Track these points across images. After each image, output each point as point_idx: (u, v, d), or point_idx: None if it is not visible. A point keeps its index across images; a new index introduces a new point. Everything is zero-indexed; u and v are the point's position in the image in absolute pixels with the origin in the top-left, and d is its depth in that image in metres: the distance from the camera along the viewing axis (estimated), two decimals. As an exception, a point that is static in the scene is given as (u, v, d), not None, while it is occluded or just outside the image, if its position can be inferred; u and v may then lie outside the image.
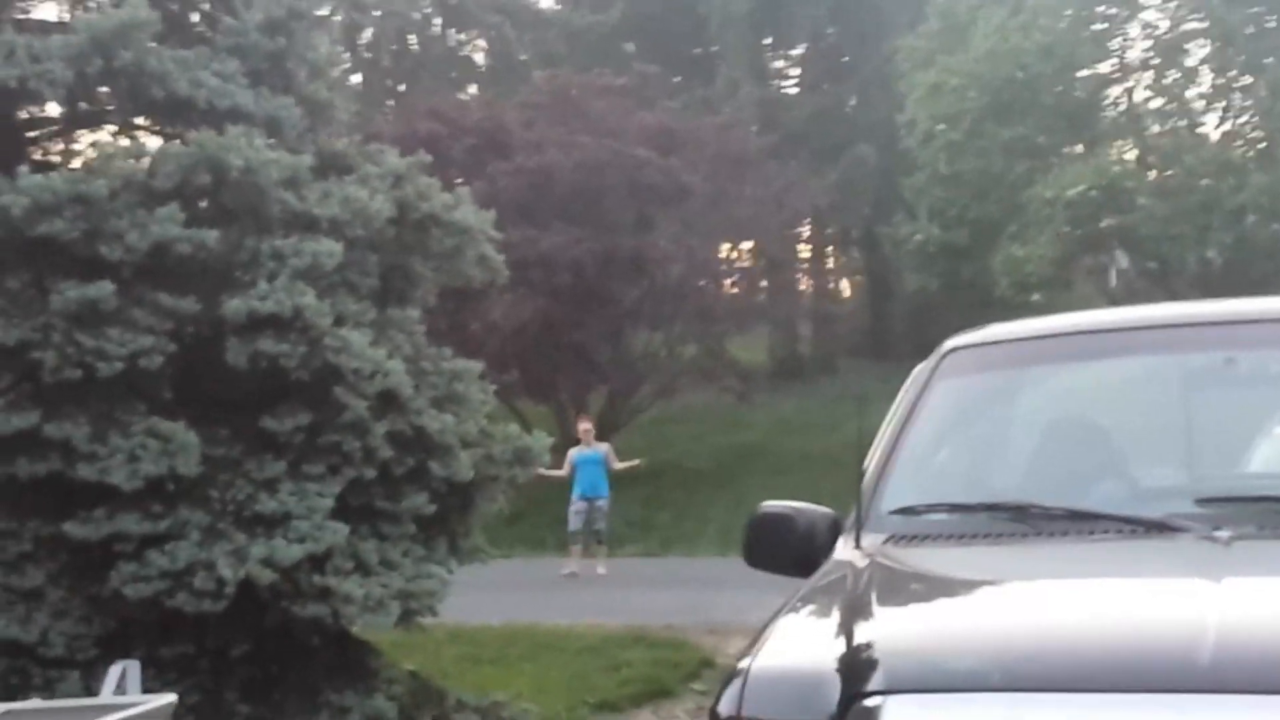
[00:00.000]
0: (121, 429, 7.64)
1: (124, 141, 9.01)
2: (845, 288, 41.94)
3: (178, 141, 8.32)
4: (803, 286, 35.33)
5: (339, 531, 7.67)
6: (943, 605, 3.52)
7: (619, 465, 18.18)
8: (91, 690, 6.60)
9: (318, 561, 7.66)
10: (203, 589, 7.43)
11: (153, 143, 8.94)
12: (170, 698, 5.26)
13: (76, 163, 9.07)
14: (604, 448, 18.29)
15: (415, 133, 20.57)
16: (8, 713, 5.62)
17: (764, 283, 31.00)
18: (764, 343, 33.10)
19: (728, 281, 28.66)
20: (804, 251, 35.59)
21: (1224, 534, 3.40)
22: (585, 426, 18.62)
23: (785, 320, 32.39)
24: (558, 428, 19.06)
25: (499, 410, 9.49)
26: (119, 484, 7.51)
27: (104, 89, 8.70)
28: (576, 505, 17.66)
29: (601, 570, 17.46)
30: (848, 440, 4.18)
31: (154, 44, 8.24)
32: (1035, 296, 22.68)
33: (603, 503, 17.81)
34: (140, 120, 9.11)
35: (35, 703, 5.97)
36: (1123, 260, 25.89)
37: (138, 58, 8.06)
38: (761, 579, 4.13)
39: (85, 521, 7.58)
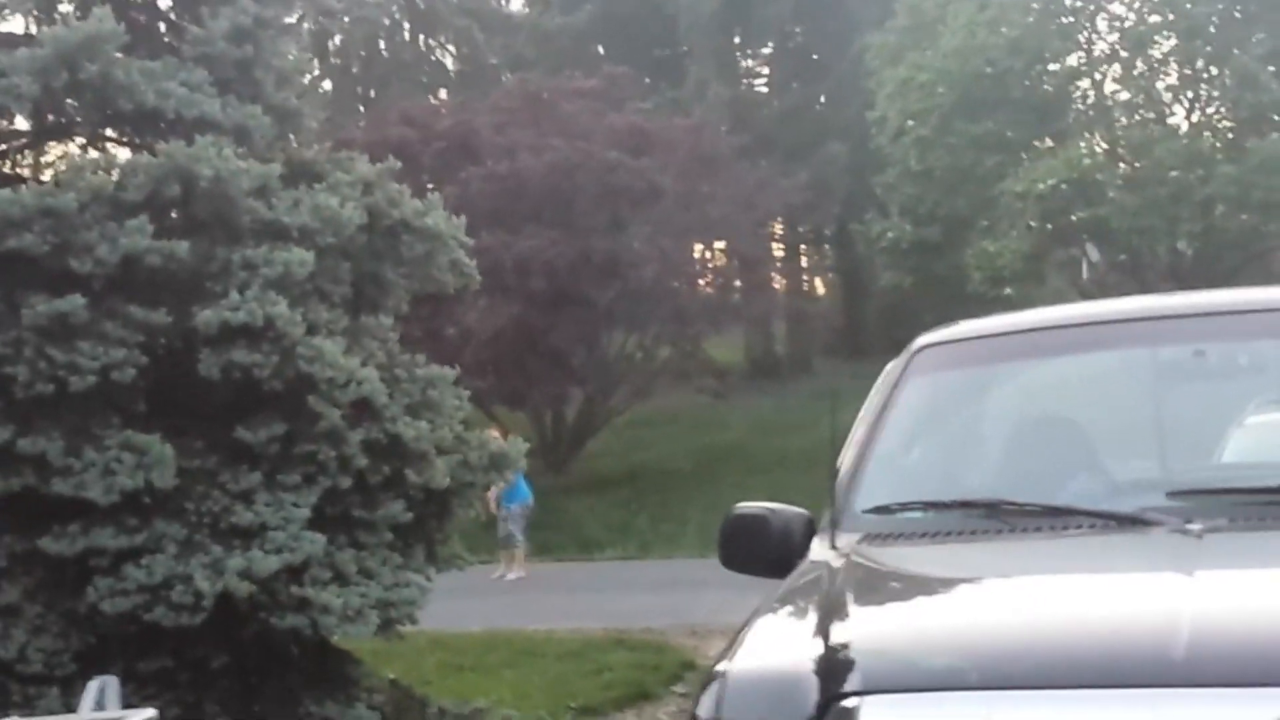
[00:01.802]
0: (95, 443, 7.62)
1: (92, 154, 8.98)
2: (819, 286, 42.00)
3: (146, 153, 8.30)
4: (777, 286, 35.33)
5: (316, 541, 7.66)
6: (918, 604, 3.53)
7: None
8: (71, 706, 6.57)
9: (295, 572, 7.65)
10: (180, 602, 7.41)
11: (121, 154, 8.92)
12: (150, 712, 5.24)
13: (45, 176, 9.04)
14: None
15: (386, 139, 20.52)
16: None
17: (738, 283, 31.03)
18: (739, 342, 33.15)
19: (702, 282, 28.68)
20: (777, 250, 35.61)
21: (1196, 527, 3.41)
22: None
23: (760, 320, 32.40)
24: (534, 433, 19.03)
25: (474, 416, 9.47)
26: (94, 498, 7.49)
27: (71, 101, 8.67)
28: (516, 512, 17.54)
29: (511, 575, 17.34)
30: (824, 439, 4.18)
31: (120, 55, 8.21)
32: (1008, 291, 22.77)
33: (515, 506, 17.68)
34: (108, 132, 9.09)
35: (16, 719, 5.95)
36: (1094, 253, 26.00)
37: (104, 70, 8.04)
38: (740, 580, 4.13)
39: (61, 536, 7.55)
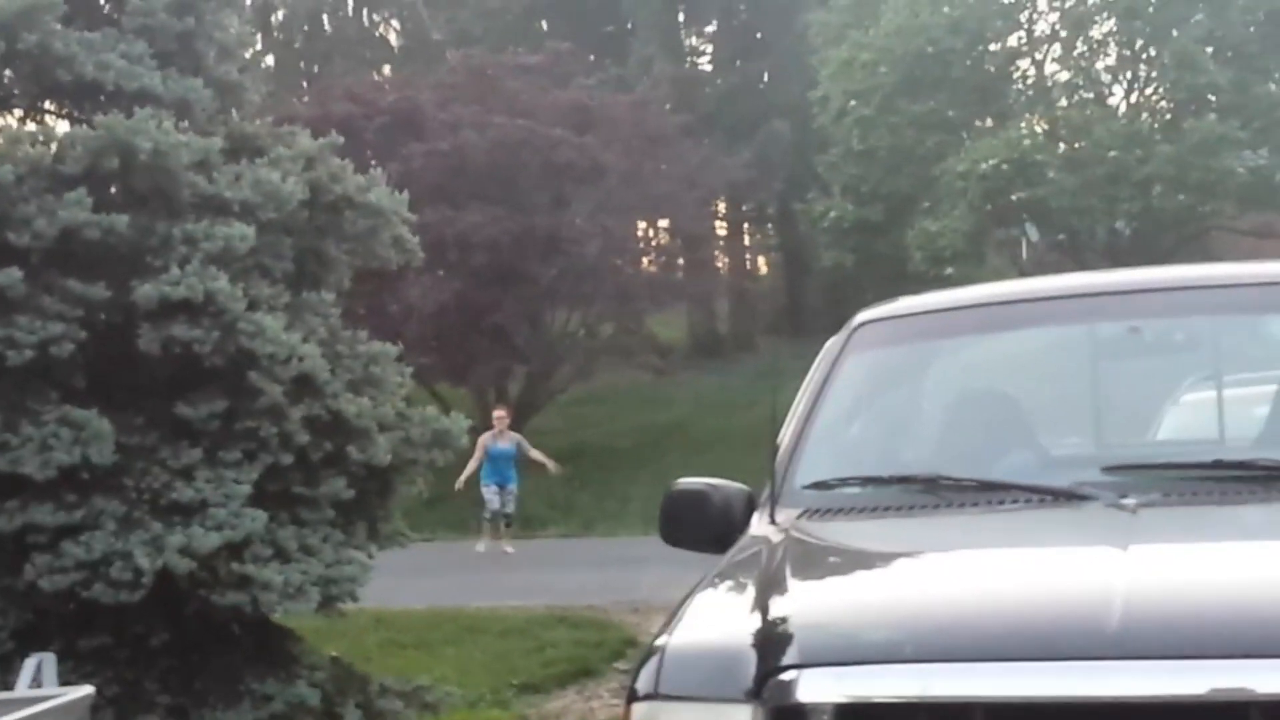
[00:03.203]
0: (33, 418, 7.55)
1: (30, 126, 8.89)
2: (762, 265, 42.07)
3: (85, 125, 8.22)
4: (719, 264, 35.35)
5: (257, 519, 7.63)
6: (856, 578, 3.56)
7: (535, 453, 18.25)
8: (7, 684, 6.52)
9: (236, 549, 7.62)
10: (120, 579, 7.37)
11: (60, 127, 8.83)
12: (87, 689, 5.21)
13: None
14: (516, 438, 18.36)
15: (329, 115, 20.39)
16: (-78, 708, 5.54)
17: (681, 260, 31.04)
18: (682, 321, 33.17)
19: (645, 260, 28.69)
20: (720, 229, 35.63)
21: (1131, 501, 3.46)
22: (500, 414, 18.63)
23: (703, 298, 32.44)
24: (476, 410, 19.05)
25: (417, 393, 9.45)
26: (31, 474, 7.43)
27: (9, 73, 8.58)
28: (490, 489, 17.83)
29: (509, 549, 17.61)
30: (767, 417, 4.20)
31: (59, 26, 8.12)
32: (949, 270, 22.88)
33: (512, 487, 18.04)
34: (47, 104, 8.99)
35: (-51, 696, 5.88)
36: (1033, 233, 26.19)
37: (43, 40, 7.96)
38: (683, 557, 4.14)
39: (-3, 513, 7.49)
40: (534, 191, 23.54)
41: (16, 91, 8.90)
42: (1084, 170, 23.55)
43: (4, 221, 7.59)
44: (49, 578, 7.40)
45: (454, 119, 23.31)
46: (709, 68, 37.26)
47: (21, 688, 5.57)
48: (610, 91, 27.17)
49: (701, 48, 38.29)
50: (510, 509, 18.16)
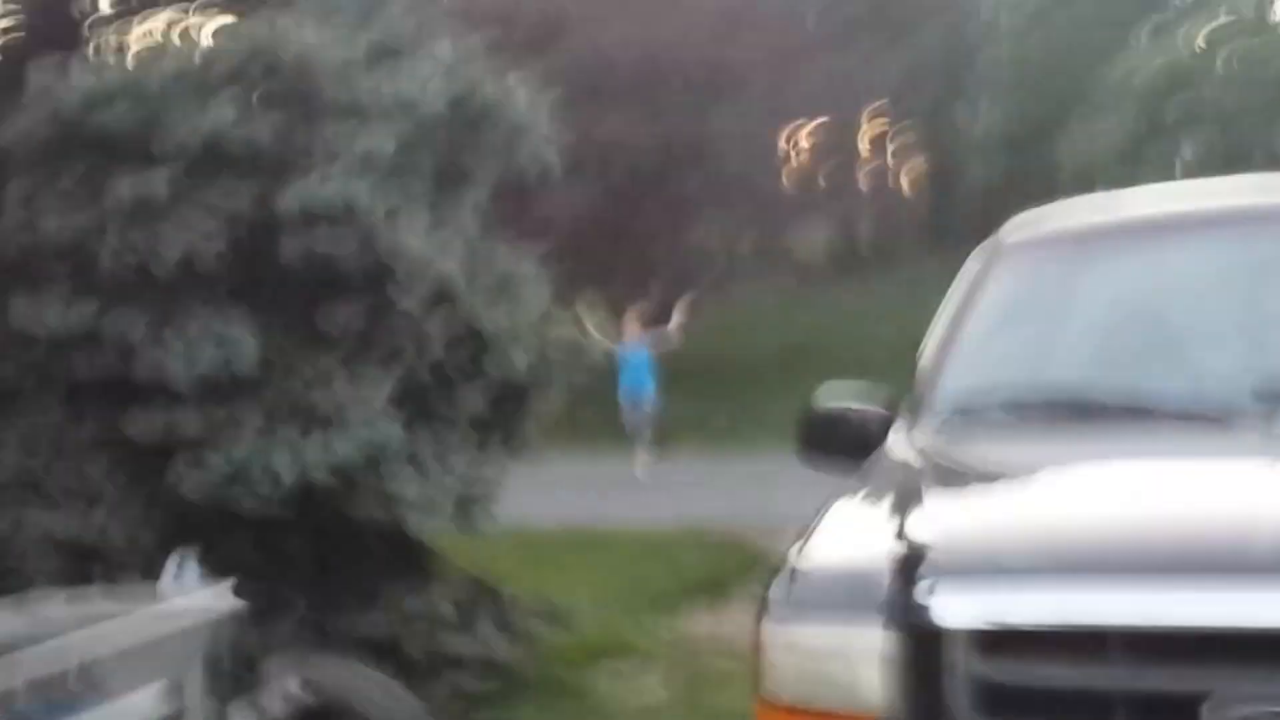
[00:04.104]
0: (177, 326, 7.63)
1: (176, 32, 8.93)
2: (906, 178, 41.54)
3: (230, 28, 8.24)
4: (864, 175, 34.95)
5: (393, 430, 7.65)
6: (994, 496, 3.48)
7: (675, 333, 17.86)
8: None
9: (373, 460, 7.66)
10: (259, 487, 7.45)
11: (205, 32, 8.86)
12: (228, 587, 5.29)
13: (130, 55, 9.00)
14: (650, 338, 17.96)
15: (473, 17, 20.35)
16: (68, 600, 5.68)
17: (823, 173, 30.73)
18: (823, 234, 32.90)
19: (786, 171, 28.44)
20: (865, 141, 35.19)
21: None
22: (631, 324, 18.26)
23: (845, 212, 32.12)
24: (613, 322, 19.05)
25: (555, 309, 9.43)
26: (175, 381, 7.52)
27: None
28: (624, 401, 17.57)
29: (637, 473, 17.32)
30: (907, 333, 4.12)
31: (204, -69, 8.14)
32: (1099, 186, 22.37)
33: (649, 400, 17.66)
34: (193, 9, 9.02)
35: (95, 591, 6.02)
36: (1188, 151, 25.51)
37: (188, -55, 7.98)
38: (820, 477, 4.09)
39: (141, 419, 7.59)
40: (677, 100, 23.36)
41: (162, -3, 8.95)
42: (1243, 85, 22.85)
43: (150, 128, 7.63)
44: (191, 484, 7.50)
45: (598, 22, 23.17)
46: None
47: (164, 585, 5.67)
48: (757, -1, 26.81)
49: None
50: (646, 428, 17.79)
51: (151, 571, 6.85)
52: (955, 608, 2.81)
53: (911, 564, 2.95)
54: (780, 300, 27.40)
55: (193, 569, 5.78)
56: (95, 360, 7.65)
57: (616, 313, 22.99)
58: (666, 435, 19.14)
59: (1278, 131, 23.56)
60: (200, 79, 7.82)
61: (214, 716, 5.19)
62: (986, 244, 4.46)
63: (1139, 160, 24.61)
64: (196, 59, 7.96)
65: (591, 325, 16.90)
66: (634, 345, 17.65)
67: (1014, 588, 2.82)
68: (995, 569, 2.89)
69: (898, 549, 3.02)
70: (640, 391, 17.60)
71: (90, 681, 4.55)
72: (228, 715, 5.18)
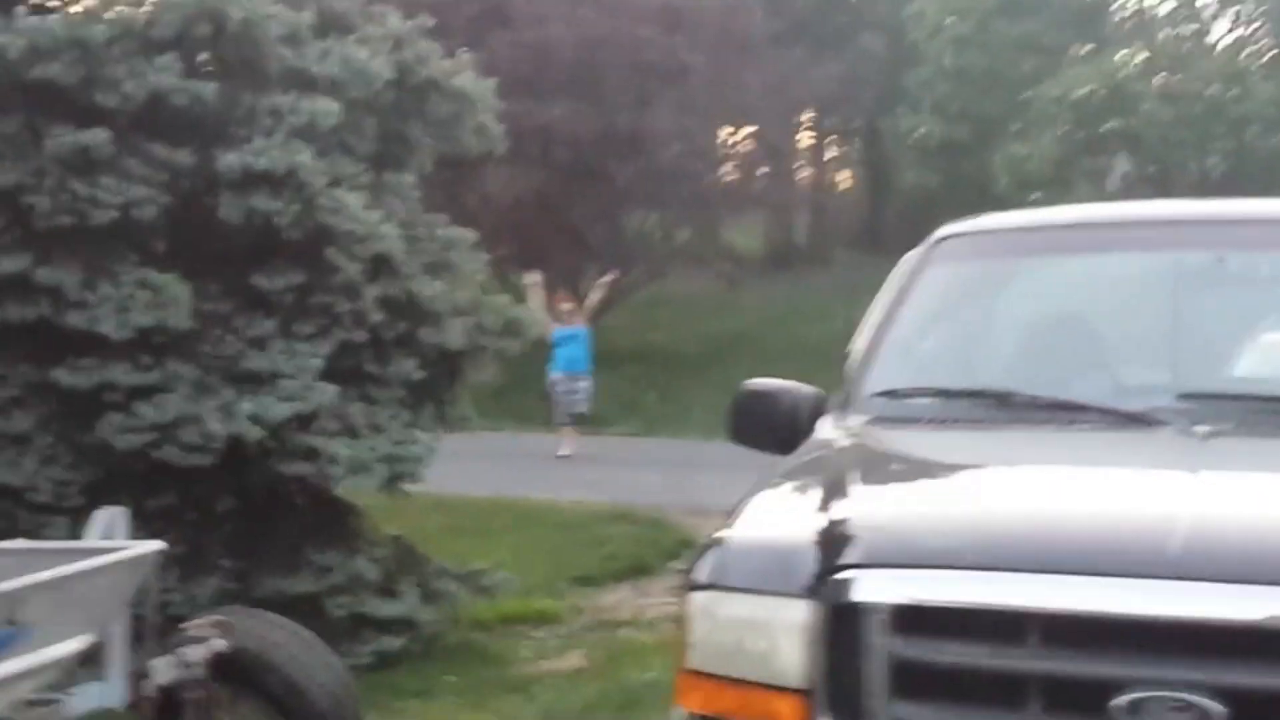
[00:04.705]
0: (112, 278, 7.62)
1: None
2: (843, 179, 41.78)
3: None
4: (801, 176, 35.10)
5: (327, 392, 7.68)
6: (921, 485, 3.57)
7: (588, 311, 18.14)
8: (78, 537, 6.64)
9: (305, 421, 7.68)
10: (190, 442, 7.45)
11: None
12: (157, 544, 5.28)
13: (76, 8, 8.96)
14: (582, 324, 18.21)
15: (418, 4, 20.33)
16: (-6, 549, 5.66)
17: (762, 170, 30.84)
18: (759, 230, 33.05)
19: (725, 166, 28.55)
20: (804, 141, 35.35)
21: (1202, 429, 3.44)
22: (567, 306, 18.50)
23: (781, 209, 32.25)
24: (549, 303, 19.08)
25: (491, 282, 9.47)
26: (108, 333, 7.50)
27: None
28: (554, 380, 17.74)
29: (564, 451, 17.47)
30: (838, 332, 4.21)
31: (158, -109, 8.11)
32: (1034, 196, 22.65)
33: (585, 383, 17.85)
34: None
35: (20, 543, 6.01)
36: (1123, 164, 25.85)
37: (141, -96, 7.95)
38: (746, 463, 4.15)
39: (74, 369, 7.57)
40: (618, 89, 23.41)
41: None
42: (1180, 104, 23.17)
43: (93, 82, 7.61)
44: (121, 436, 7.49)
45: (542, 11, 23.19)
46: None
47: (91, 539, 5.67)
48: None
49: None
50: (581, 408, 17.95)
51: (78, 522, 6.85)
52: (875, 585, 2.90)
53: (836, 542, 3.03)
54: (714, 293, 27.54)
55: (121, 523, 5.78)
56: (27, 308, 7.62)
57: (552, 294, 23.07)
58: (597, 417, 19.23)
59: (1210, 153, 23.93)
60: (144, 36, 7.81)
61: (137, 667, 5.20)
62: (919, 247, 4.56)
63: (1072, 176, 24.92)
64: (142, 16, 7.93)
65: (535, 303, 16.98)
66: (568, 327, 17.77)
67: (934, 568, 2.92)
68: (917, 550, 2.98)
69: (824, 529, 3.10)
70: (576, 372, 17.73)
71: (16, 630, 4.56)
72: (150, 667, 5.19)
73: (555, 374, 17.81)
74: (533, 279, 18.14)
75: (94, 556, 5.01)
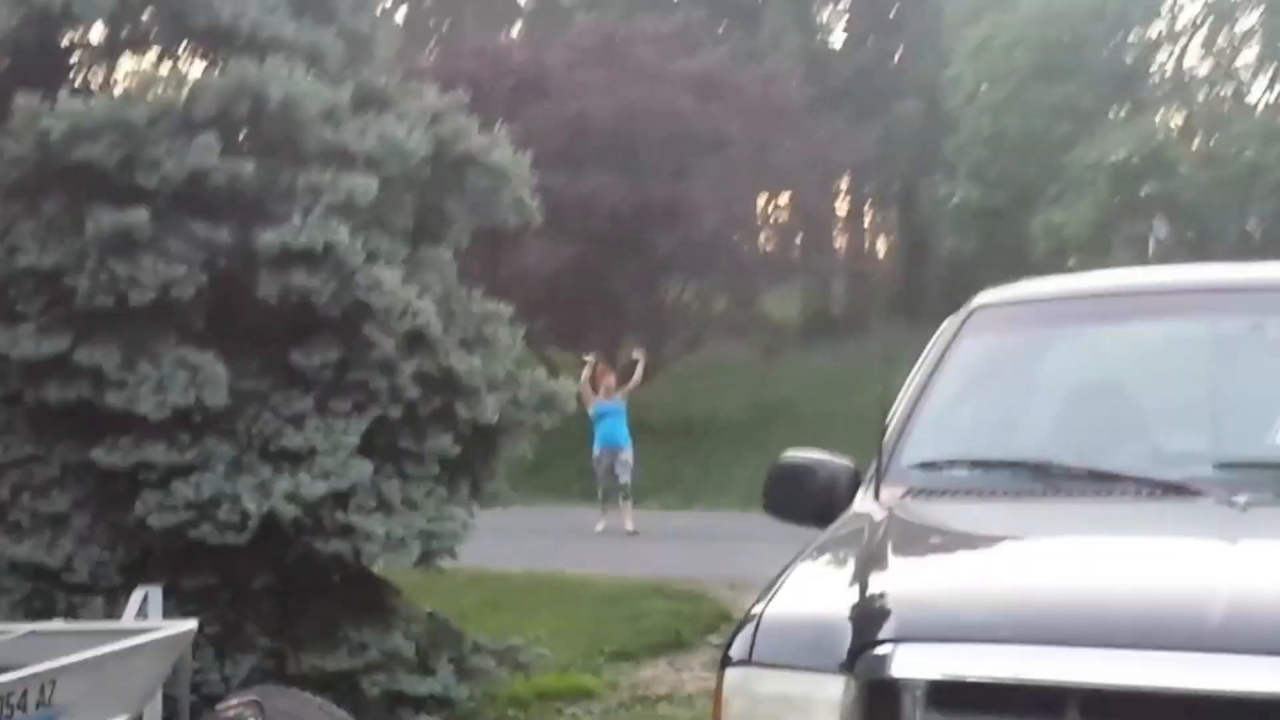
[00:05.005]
0: (151, 358, 7.66)
1: (164, 69, 8.99)
2: (881, 246, 41.78)
3: (218, 70, 8.31)
4: (838, 244, 35.14)
5: (363, 469, 7.69)
6: (958, 558, 3.53)
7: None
8: (114, 616, 6.65)
9: (341, 498, 7.68)
10: (226, 521, 7.46)
11: (193, 71, 8.93)
12: (191, 624, 5.30)
13: (116, 89, 9.06)
14: (622, 396, 18.15)
15: (457, 72, 20.52)
16: (31, 633, 5.68)
17: (799, 238, 30.88)
18: (796, 299, 33.03)
19: (763, 235, 28.60)
20: (841, 208, 35.41)
21: (1242, 499, 3.39)
22: (608, 380, 18.39)
23: (819, 277, 32.26)
24: (595, 379, 19.09)
25: (527, 356, 9.48)
26: (146, 413, 7.53)
27: (147, 15, 8.69)
28: (597, 457, 17.64)
29: (630, 527, 17.34)
30: (876, 400, 4.17)
31: (197, -28, 8.21)
32: (1072, 262, 22.58)
33: (626, 455, 17.73)
34: (182, 48, 9.09)
35: (58, 624, 6.03)
36: (1162, 229, 25.78)
37: (181, -15, 8.05)
38: (783, 535, 4.12)
39: (112, 449, 7.61)
40: (656, 160, 23.52)
41: (153, 34, 9.01)
42: (1218, 167, 23.11)
43: (134, 162, 7.68)
44: (158, 515, 7.50)
45: (580, 83, 23.36)
46: (840, 44, 36.99)
47: (127, 619, 5.68)
48: (740, 63, 27.07)
49: (833, 23, 38.04)
50: (626, 479, 17.80)
51: (115, 601, 6.87)
52: (912, 660, 2.86)
53: (872, 617, 3.00)
54: (752, 362, 27.51)
55: (157, 603, 5.80)
56: (68, 389, 7.67)
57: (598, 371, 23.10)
58: (635, 489, 19.19)
59: (1250, 215, 23.83)
60: (184, 116, 7.89)
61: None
62: (957, 313, 4.54)
63: (1111, 239, 24.86)
64: (182, 96, 8.02)
65: (584, 378, 17.01)
66: (610, 401, 17.70)
67: (972, 643, 2.88)
68: (954, 624, 2.94)
69: (860, 603, 3.07)
70: (618, 447, 17.59)
71: (52, 713, 4.56)
72: (186, 747, 5.19)
73: (598, 449, 17.70)
74: (590, 358, 18.25)
75: (129, 637, 5.01)
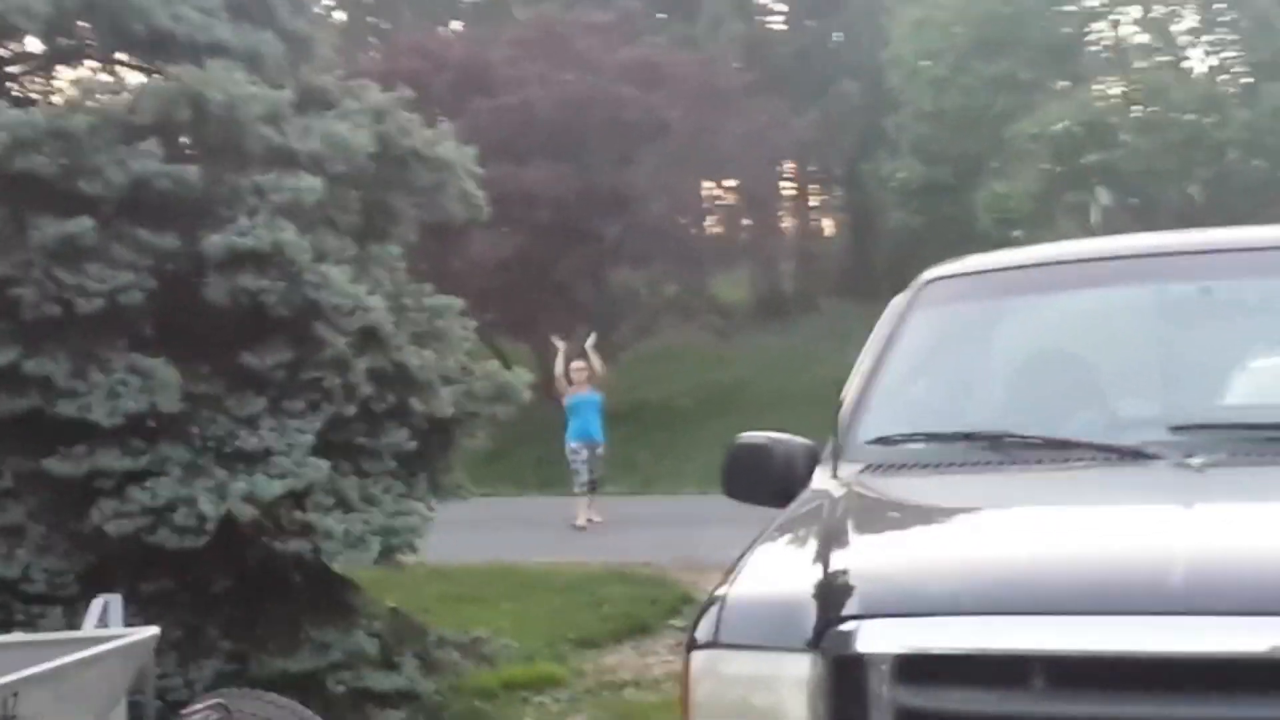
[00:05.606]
0: (101, 365, 7.63)
1: (104, 77, 8.94)
2: (828, 226, 41.88)
3: (158, 76, 8.26)
4: (785, 225, 35.21)
5: (320, 468, 7.68)
6: (918, 532, 3.55)
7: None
8: (74, 625, 6.61)
9: (298, 498, 7.67)
10: (184, 525, 7.44)
11: (133, 78, 8.88)
12: (152, 630, 5.27)
13: (56, 98, 9.00)
14: (596, 386, 17.78)
15: (398, 69, 20.46)
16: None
17: (746, 221, 30.94)
18: (746, 281, 33.09)
19: (710, 219, 28.64)
20: (786, 190, 35.47)
21: (1197, 460, 3.43)
22: (578, 365, 17.96)
23: (767, 258, 32.33)
24: (538, 366, 19.04)
25: (479, 348, 9.47)
26: (99, 420, 7.50)
27: (84, 24, 8.63)
28: (574, 449, 17.17)
29: (580, 522, 17.07)
30: (829, 378, 4.20)
31: (133, -22, 8.16)
32: (1017, 233, 22.69)
33: (600, 449, 17.37)
34: (120, 55, 9.04)
35: (18, 636, 5.99)
36: (1105, 197, 25.94)
37: (117, -8, 8.00)
38: (742, 517, 4.13)
39: (66, 458, 7.57)
40: (600, 149, 23.53)
41: (91, 42, 8.96)
42: (1158, 134, 23.26)
43: (76, 171, 7.64)
44: (114, 522, 7.47)
45: (522, 75, 23.35)
46: (780, 26, 36.99)
47: (88, 628, 5.65)
48: (679, 50, 27.07)
49: (773, 6, 38.04)
50: (597, 473, 17.35)
51: (74, 611, 6.82)
52: (877, 635, 2.88)
53: (836, 594, 3.01)
54: (704, 346, 27.56)
55: (117, 611, 5.76)
56: (17, 400, 7.62)
57: (541, 355, 23.06)
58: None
59: (1191, 184, 24.00)
60: (126, 123, 7.85)
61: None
62: (905, 291, 4.56)
63: (1053, 211, 24.99)
64: (123, 104, 7.97)
65: (558, 369, 16.88)
66: (585, 392, 17.39)
67: (935, 615, 2.90)
68: (917, 598, 2.97)
69: (823, 581, 3.08)
70: (592, 437, 17.25)
71: (14, 721, 4.53)
72: (153, 754, 5.17)
73: (572, 442, 17.26)
74: (559, 345, 17.89)
75: (90, 646, 4.98)
